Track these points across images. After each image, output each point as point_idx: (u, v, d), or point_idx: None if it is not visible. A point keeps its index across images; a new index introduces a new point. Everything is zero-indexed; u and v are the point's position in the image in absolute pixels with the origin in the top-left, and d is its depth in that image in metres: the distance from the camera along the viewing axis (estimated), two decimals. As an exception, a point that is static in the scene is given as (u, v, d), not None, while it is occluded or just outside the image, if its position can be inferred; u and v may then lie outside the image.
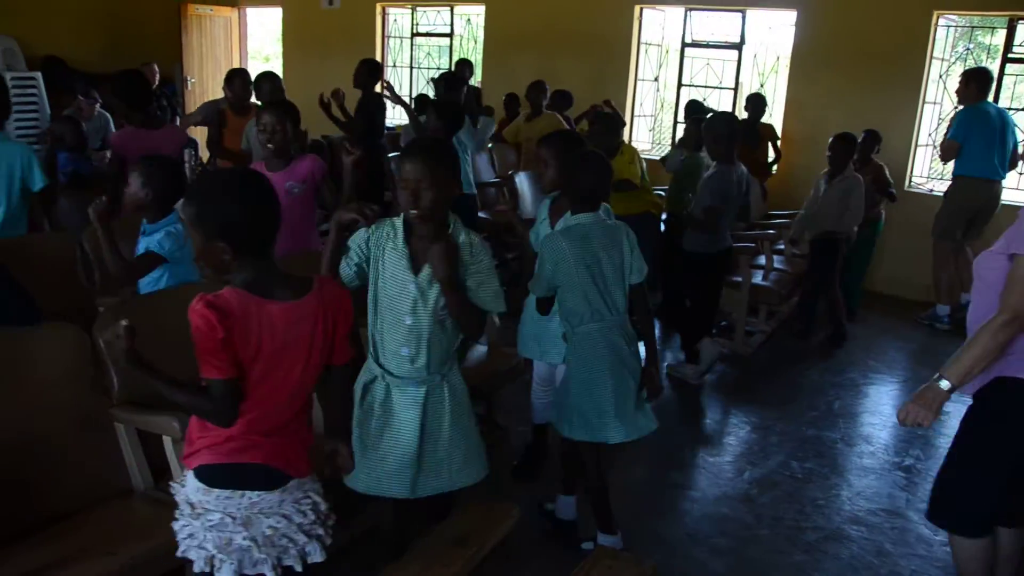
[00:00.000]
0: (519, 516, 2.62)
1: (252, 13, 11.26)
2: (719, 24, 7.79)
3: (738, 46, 7.67)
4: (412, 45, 10.04)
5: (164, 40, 10.42)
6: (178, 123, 9.43)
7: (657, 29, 8.21)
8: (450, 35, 9.67)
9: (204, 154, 8.91)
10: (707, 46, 7.89)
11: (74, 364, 2.62)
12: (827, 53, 7.02)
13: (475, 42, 9.68)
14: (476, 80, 9.27)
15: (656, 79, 8.34)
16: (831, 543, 3.44)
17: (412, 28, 9.95)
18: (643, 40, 8.12)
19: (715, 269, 4.83)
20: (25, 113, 8.82)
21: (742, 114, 7.08)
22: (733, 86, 7.74)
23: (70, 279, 3.69)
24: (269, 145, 3.78)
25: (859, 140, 5.72)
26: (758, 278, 5.74)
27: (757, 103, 6.97)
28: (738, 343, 5.52)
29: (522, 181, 6.42)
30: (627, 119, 8.04)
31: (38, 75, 8.99)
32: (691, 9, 7.80)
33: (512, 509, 2.59)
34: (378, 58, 9.89)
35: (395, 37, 10.09)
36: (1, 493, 2.24)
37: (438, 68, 9.52)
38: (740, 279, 5.41)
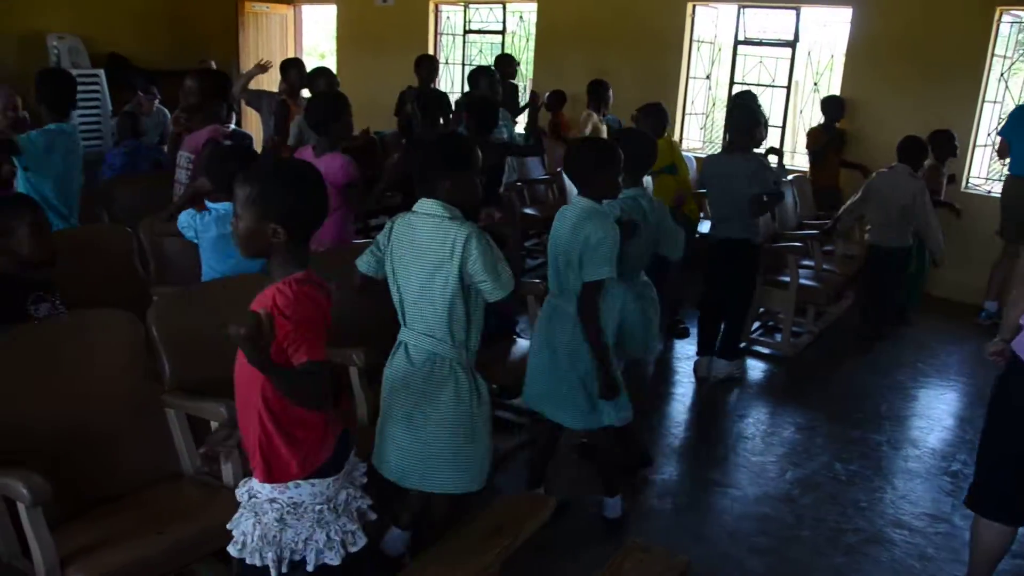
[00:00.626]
0: (555, 507, 2.65)
1: (307, 10, 11.43)
2: (772, 21, 7.69)
3: (792, 44, 7.56)
4: (465, 42, 10.09)
5: (221, 37, 10.66)
6: (234, 121, 9.64)
7: (710, 26, 8.14)
8: (502, 32, 9.71)
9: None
10: (760, 44, 7.80)
11: (128, 351, 2.72)
12: (884, 50, 6.89)
13: (527, 39, 9.70)
14: (528, 76, 9.31)
15: (708, 77, 8.27)
16: (872, 546, 3.40)
17: (465, 25, 10.01)
18: (695, 37, 8.06)
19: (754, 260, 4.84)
20: (88, 109, 9.12)
21: (818, 117, 7.02)
22: (786, 84, 7.64)
23: (127, 269, 3.82)
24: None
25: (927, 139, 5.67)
26: (808, 279, 5.69)
27: (835, 106, 6.87)
28: (784, 343, 5.47)
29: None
30: (678, 117, 8.01)
31: (101, 72, 9.28)
32: (744, 6, 7.72)
33: (549, 500, 2.63)
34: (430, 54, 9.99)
35: (448, 34, 10.15)
36: (59, 473, 2.34)
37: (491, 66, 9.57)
38: (788, 279, 5.35)
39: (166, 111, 7.45)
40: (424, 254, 2.51)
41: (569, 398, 3.12)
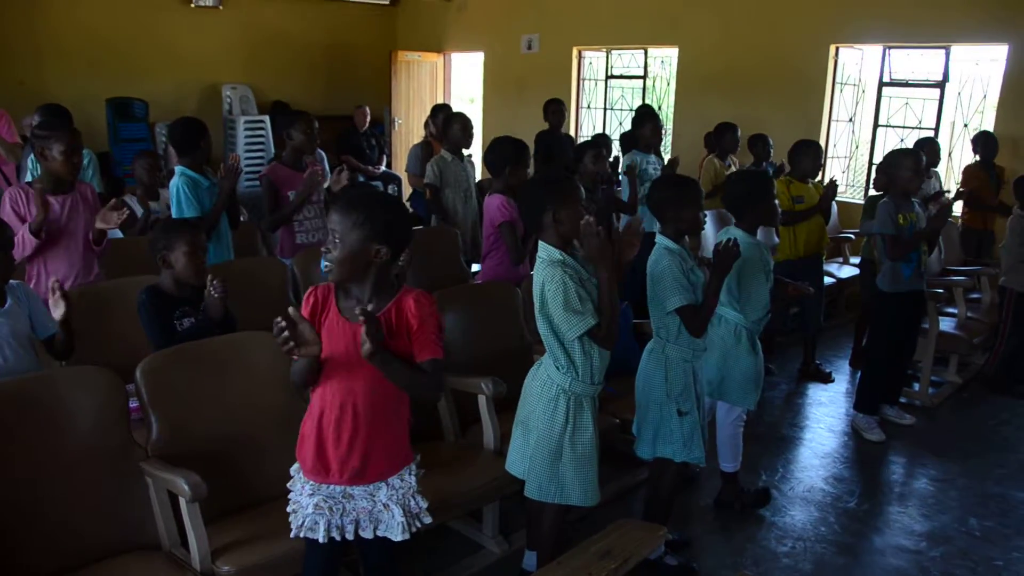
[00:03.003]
0: (667, 537, 2.73)
1: (456, 58, 11.99)
2: (920, 62, 7.50)
3: (941, 84, 7.35)
4: (607, 87, 10.32)
5: (375, 84, 11.35)
6: (385, 163, 10.23)
7: (853, 68, 8.02)
8: (643, 77, 9.88)
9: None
10: (907, 84, 7.61)
11: (277, 368, 3.01)
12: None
13: (668, 83, 9.82)
14: (669, 121, 9.39)
15: (851, 119, 8.13)
16: (1004, 605, 3.27)
17: (607, 71, 10.24)
18: (838, 80, 7.95)
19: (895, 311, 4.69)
20: (254, 151, 9.91)
21: (964, 155, 6.80)
22: (934, 126, 7.41)
23: (282, 297, 4.20)
24: None
25: None
26: (950, 326, 5.50)
27: (989, 142, 6.61)
28: (922, 393, 5.29)
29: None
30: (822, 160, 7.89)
31: (266, 118, 10.07)
32: (890, 47, 7.57)
33: (660, 531, 2.71)
34: (573, 100, 10.27)
35: (590, 79, 10.42)
36: (215, 476, 2.63)
37: (631, 109, 9.70)
38: (927, 325, 5.20)
39: (323, 153, 8.01)
40: (535, 289, 2.75)
41: (642, 427, 3.27)
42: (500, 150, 4.47)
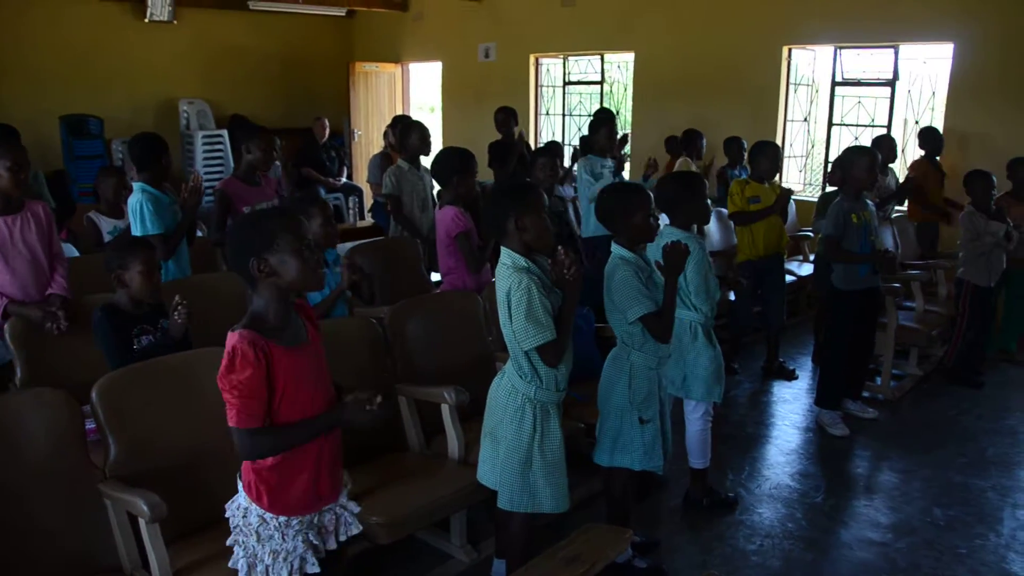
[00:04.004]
0: (634, 539, 2.73)
1: (414, 68, 11.97)
2: (871, 61, 7.63)
3: (891, 83, 7.48)
4: (564, 93, 10.37)
5: (334, 96, 11.29)
6: (345, 175, 10.18)
7: (806, 68, 8.14)
8: (600, 82, 9.93)
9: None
10: (859, 84, 7.74)
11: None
12: (988, 84, 6.75)
13: (625, 88, 9.89)
14: (628, 125, 9.46)
15: (806, 119, 8.25)
16: (969, 593, 3.32)
17: (564, 77, 10.29)
18: (792, 80, 8.06)
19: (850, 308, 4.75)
20: (213, 165, 9.82)
21: (915, 152, 6.93)
22: (886, 123, 7.54)
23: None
24: None
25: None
26: (908, 319, 5.58)
27: (935, 138, 6.70)
28: (884, 386, 5.36)
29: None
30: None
31: (224, 132, 9.98)
32: (841, 47, 7.69)
33: (626, 533, 2.71)
34: (531, 106, 10.30)
35: (548, 86, 10.45)
36: (177, 496, 2.59)
37: (589, 115, 9.76)
38: (886, 320, 5.27)
39: (279, 164, 7.94)
40: (499, 296, 2.74)
41: (600, 432, 3.25)
42: (445, 161, 4.47)
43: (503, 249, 2.76)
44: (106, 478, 2.63)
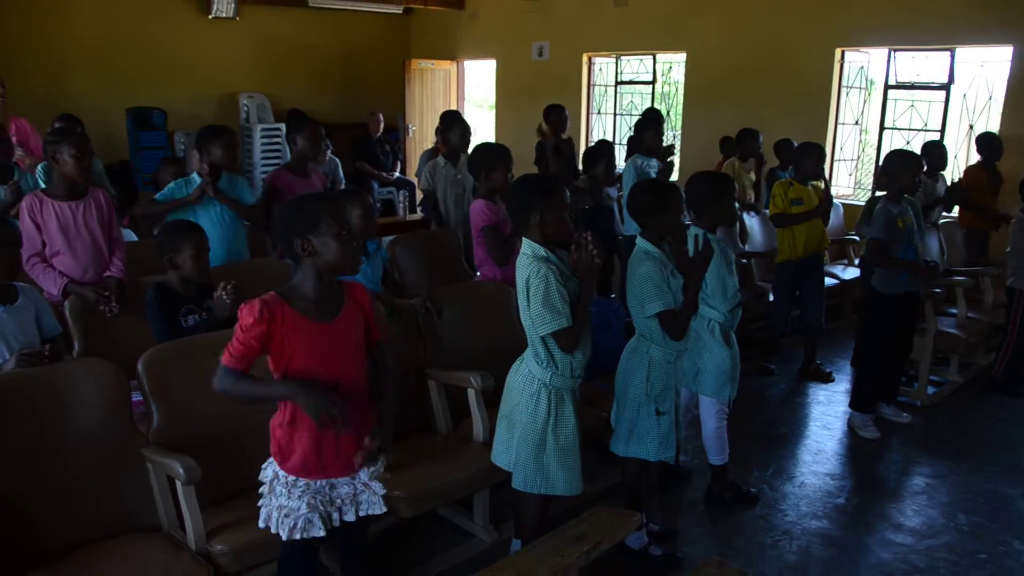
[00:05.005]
0: (641, 524, 2.83)
1: (469, 65, 12.14)
2: (925, 64, 7.55)
3: (946, 86, 7.39)
4: (616, 93, 10.43)
5: (389, 92, 11.52)
6: (399, 169, 10.39)
7: (859, 71, 8.07)
8: (652, 82, 9.97)
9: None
10: (912, 87, 7.66)
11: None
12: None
13: (677, 88, 9.92)
14: (676, 126, 9.50)
15: (857, 122, 8.18)
16: (984, 596, 3.33)
17: (616, 76, 10.35)
18: (844, 83, 8.01)
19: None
20: (271, 158, 10.12)
21: (971, 157, 6.84)
22: (940, 127, 7.45)
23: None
24: None
25: None
26: (950, 325, 5.54)
27: (993, 143, 6.55)
28: (921, 392, 5.33)
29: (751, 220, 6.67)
30: (828, 163, 7.94)
31: (282, 126, 10.27)
32: (896, 50, 7.62)
33: (634, 516, 2.80)
34: (583, 106, 10.39)
35: (600, 85, 10.53)
36: (210, 463, 2.76)
37: (640, 114, 9.79)
38: (926, 325, 5.24)
39: (337, 160, 8.18)
40: (519, 285, 2.85)
41: (618, 422, 3.34)
42: (476, 155, 4.62)
43: (524, 240, 2.87)
44: (149, 444, 2.82)
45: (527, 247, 2.87)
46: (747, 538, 3.70)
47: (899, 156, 4.73)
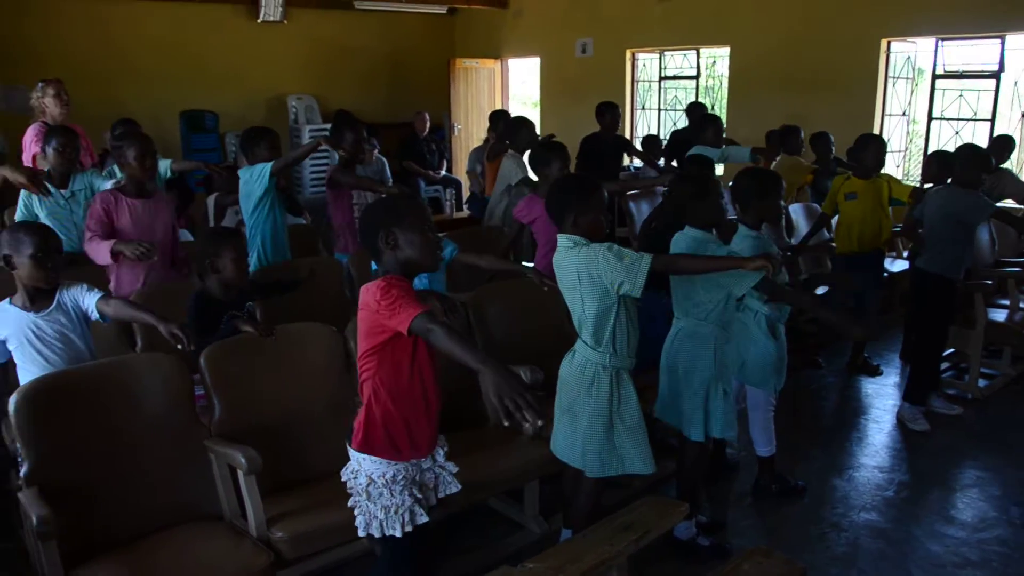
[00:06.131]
0: (687, 513, 2.88)
1: (513, 63, 12.21)
2: (974, 52, 7.43)
3: (996, 74, 7.27)
4: (660, 88, 10.42)
5: (434, 91, 11.63)
6: (445, 168, 10.51)
7: (906, 61, 7.97)
8: (696, 77, 9.94)
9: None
10: (961, 76, 7.54)
11: (328, 358, 3.26)
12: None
13: (721, 83, 9.88)
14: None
15: (904, 113, 8.08)
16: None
17: (660, 72, 10.33)
18: (891, 73, 7.92)
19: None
20: (319, 157, 10.29)
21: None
22: (990, 116, 7.32)
23: (339, 293, 4.48)
24: None
25: None
26: (1001, 317, 5.46)
27: (1005, 145, 6.50)
28: (971, 385, 5.28)
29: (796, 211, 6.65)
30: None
31: (330, 126, 10.42)
32: (943, 39, 7.51)
33: (682, 506, 2.85)
34: (627, 101, 10.39)
35: (643, 81, 10.52)
36: (272, 455, 2.87)
37: (685, 109, 9.79)
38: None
39: (383, 159, 8.32)
40: (564, 278, 2.92)
41: (689, 411, 3.35)
42: (534, 152, 4.80)
43: (560, 236, 2.93)
44: (211, 435, 2.95)
45: (565, 240, 2.91)
46: (794, 530, 3.72)
47: (971, 151, 4.71)
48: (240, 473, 2.75)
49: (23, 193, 4.37)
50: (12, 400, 2.64)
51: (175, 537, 2.77)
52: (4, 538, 3.47)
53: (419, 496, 2.47)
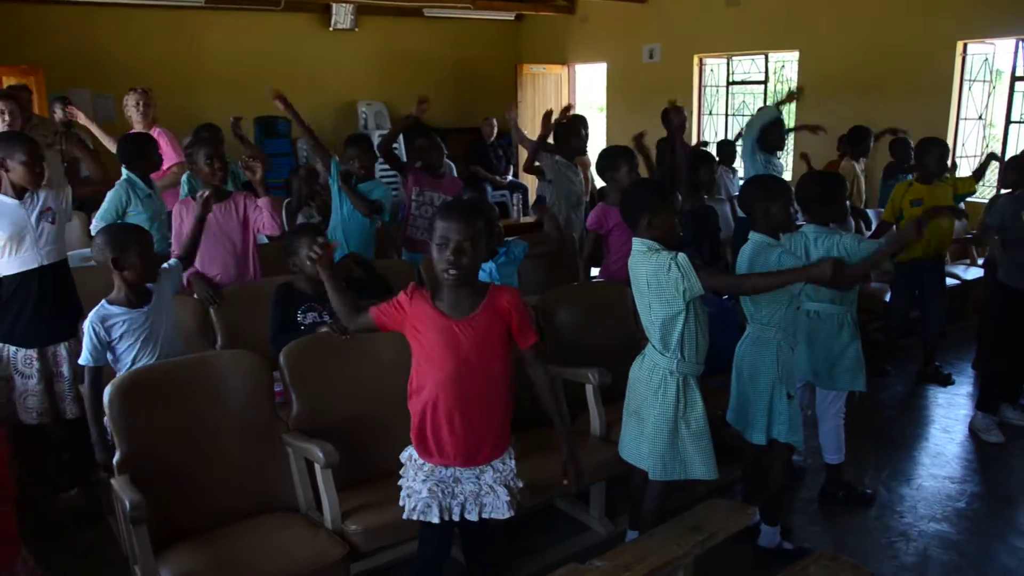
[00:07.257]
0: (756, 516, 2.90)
1: (580, 69, 12.25)
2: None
3: (1080, 77, 7.06)
4: (728, 93, 10.34)
5: (501, 97, 11.70)
6: (511, 173, 10.60)
7: (983, 63, 7.78)
8: (764, 82, 9.85)
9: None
10: (1042, 79, 7.35)
11: (400, 357, 3.33)
12: None
13: (789, 87, 9.76)
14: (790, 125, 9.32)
15: (981, 117, 7.89)
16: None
17: (728, 77, 10.26)
18: (967, 76, 7.74)
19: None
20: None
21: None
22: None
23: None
24: None
25: None
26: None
27: None
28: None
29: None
30: (949, 159, 7.68)
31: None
32: (1023, 40, 7.32)
33: (749, 509, 2.87)
34: (695, 107, 10.33)
35: (711, 86, 10.46)
36: (346, 451, 2.98)
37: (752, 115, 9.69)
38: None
39: (451, 164, 8.43)
40: (636, 282, 2.97)
41: (752, 414, 3.36)
42: (600, 159, 4.85)
43: (635, 240, 2.99)
44: (289, 430, 3.07)
45: (640, 244, 2.98)
46: (862, 538, 3.70)
47: None
48: (317, 467, 2.86)
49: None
50: (107, 392, 2.80)
51: (254, 527, 2.89)
52: (92, 527, 3.66)
53: (441, 498, 2.54)
